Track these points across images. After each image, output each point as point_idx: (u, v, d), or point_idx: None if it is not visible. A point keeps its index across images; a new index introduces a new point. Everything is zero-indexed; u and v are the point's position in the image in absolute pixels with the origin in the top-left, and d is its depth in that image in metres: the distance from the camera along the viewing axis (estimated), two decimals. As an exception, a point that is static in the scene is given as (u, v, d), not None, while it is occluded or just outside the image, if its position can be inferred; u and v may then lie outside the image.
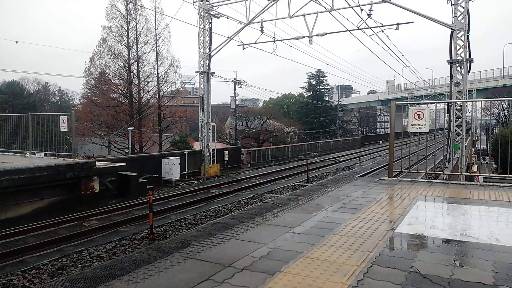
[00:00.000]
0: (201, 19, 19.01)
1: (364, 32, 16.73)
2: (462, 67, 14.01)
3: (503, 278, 2.90)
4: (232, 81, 36.31)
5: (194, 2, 18.47)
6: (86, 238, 8.54)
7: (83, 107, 32.55)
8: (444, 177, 11.15)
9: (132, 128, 25.45)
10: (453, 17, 13.95)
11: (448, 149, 14.82)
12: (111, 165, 12.67)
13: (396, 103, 8.88)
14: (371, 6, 15.44)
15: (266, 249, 3.66)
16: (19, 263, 6.99)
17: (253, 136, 44.54)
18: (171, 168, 17.23)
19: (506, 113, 51.21)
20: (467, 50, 13.84)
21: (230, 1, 18.29)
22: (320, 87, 62.53)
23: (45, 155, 13.60)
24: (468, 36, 13.86)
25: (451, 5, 13.90)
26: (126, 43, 28.70)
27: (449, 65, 14.24)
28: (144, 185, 13.43)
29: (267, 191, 14.68)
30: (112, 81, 29.64)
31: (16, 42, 50.08)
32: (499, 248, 3.62)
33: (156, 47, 29.48)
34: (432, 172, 10.63)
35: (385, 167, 19.33)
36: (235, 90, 37.04)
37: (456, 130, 14.35)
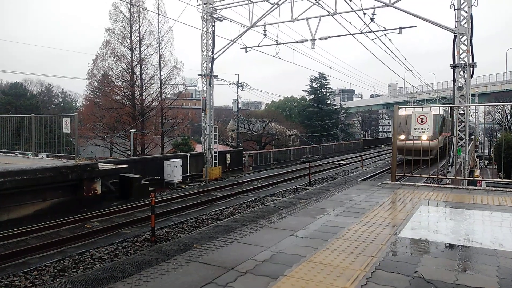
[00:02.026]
0: (204, 22, 19.07)
1: (367, 36, 16.77)
2: (465, 71, 13.99)
3: (508, 284, 2.88)
4: (234, 84, 36.40)
5: (197, 5, 18.54)
6: (88, 239, 8.54)
7: (86, 108, 32.65)
8: (447, 182, 11.12)
9: (135, 130, 25.50)
10: (456, 21, 13.96)
11: (451, 153, 14.78)
12: (113, 167, 12.68)
13: (399, 107, 8.89)
14: (374, 10, 15.47)
15: (269, 253, 3.65)
16: (21, 264, 6.99)
17: (255, 139, 44.52)
18: (173, 170, 17.23)
19: (508, 117, 51.01)
20: (470, 54, 13.84)
21: (234, 4, 18.36)
22: (322, 90, 62.45)
23: (48, 156, 13.62)
24: (471, 41, 13.86)
25: (454, 9, 13.91)
26: (129, 45, 28.83)
27: (452, 69, 14.23)
28: (146, 187, 13.44)
29: (269, 194, 14.65)
30: (115, 83, 29.75)
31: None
32: (503, 253, 3.59)
33: (159, 49, 29.63)
34: (435, 176, 10.60)
35: (388, 171, 19.29)
36: (237, 93, 37.12)
37: (459, 135, 14.32)
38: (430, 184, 8.40)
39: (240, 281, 2.97)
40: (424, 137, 14.55)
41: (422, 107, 8.27)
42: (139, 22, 28.96)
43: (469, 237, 4.16)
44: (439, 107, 18.67)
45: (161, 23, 29.69)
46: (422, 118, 7.53)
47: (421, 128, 7.52)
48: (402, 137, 16.04)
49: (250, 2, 17.64)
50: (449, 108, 15.66)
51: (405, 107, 15.72)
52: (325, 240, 4.03)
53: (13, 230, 8.68)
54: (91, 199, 11.37)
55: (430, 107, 8.49)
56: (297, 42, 18.46)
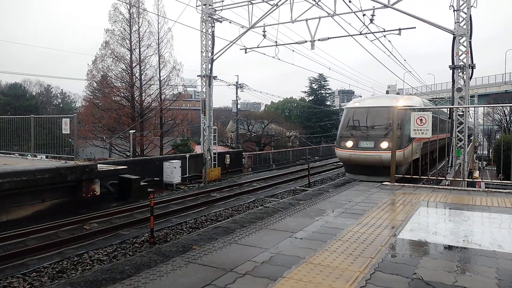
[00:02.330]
0: (203, 23, 19.08)
1: (366, 37, 16.79)
2: (464, 72, 14.00)
3: (507, 286, 2.88)
4: (234, 85, 36.35)
5: (197, 6, 18.55)
6: (86, 241, 8.51)
7: (85, 109, 32.58)
8: (446, 183, 11.11)
9: (134, 131, 25.46)
10: (455, 22, 13.97)
11: (450, 154, 14.78)
12: (112, 168, 12.66)
13: (399, 107, 8.86)
14: (373, 12, 15.49)
15: (268, 254, 3.65)
16: (20, 265, 6.96)
17: (254, 140, 44.50)
18: (172, 171, 17.21)
19: (508, 119, 51.11)
20: (469, 55, 13.85)
21: (233, 5, 18.36)
22: (322, 91, 62.46)
23: (47, 157, 13.60)
24: (470, 42, 13.87)
25: (454, 11, 13.92)
26: (129, 46, 28.79)
27: (451, 70, 14.24)
28: (145, 188, 13.43)
29: (268, 195, 14.64)
30: (114, 84, 29.69)
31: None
32: (502, 255, 3.59)
33: (158, 50, 29.58)
34: (434, 177, 10.58)
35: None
36: (236, 94, 37.07)
37: (458, 136, 14.32)
38: (429, 186, 8.40)
39: (239, 283, 2.96)
40: (384, 145, 10.72)
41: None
42: (138, 23, 28.95)
43: (468, 238, 4.15)
44: (439, 108, 17.80)
45: (160, 24, 29.70)
46: (421, 119, 7.41)
47: (421, 129, 7.41)
48: (350, 143, 11.43)
49: (249, 3, 17.66)
50: (448, 109, 15.63)
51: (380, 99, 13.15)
52: (324, 242, 4.03)
53: (12, 231, 8.66)
54: (90, 200, 11.35)
55: (430, 108, 8.40)
56: (297, 43, 18.47)
